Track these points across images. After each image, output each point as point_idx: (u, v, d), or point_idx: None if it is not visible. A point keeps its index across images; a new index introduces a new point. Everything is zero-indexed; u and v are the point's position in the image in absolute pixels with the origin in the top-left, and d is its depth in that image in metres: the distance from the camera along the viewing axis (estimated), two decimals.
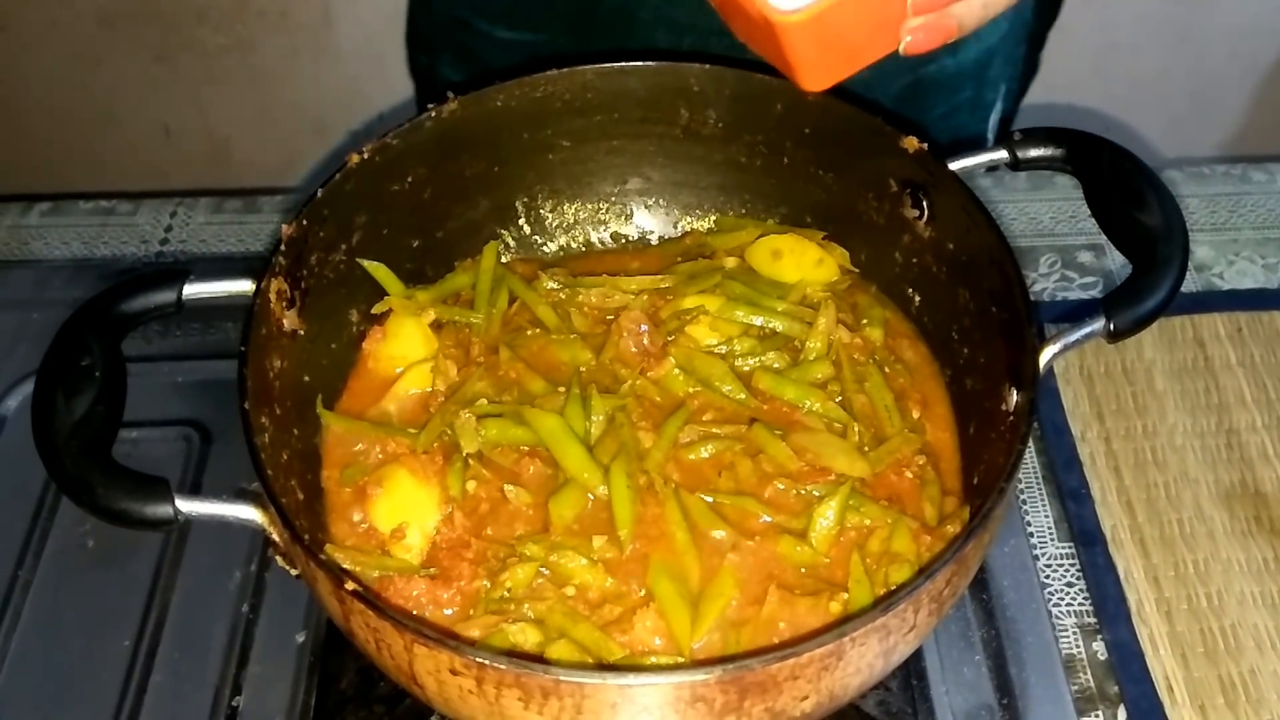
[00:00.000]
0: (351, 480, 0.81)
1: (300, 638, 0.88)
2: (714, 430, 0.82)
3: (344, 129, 2.02)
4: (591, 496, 0.79)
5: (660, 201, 0.99)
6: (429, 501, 0.78)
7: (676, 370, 0.84)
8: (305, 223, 0.81)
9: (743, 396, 0.84)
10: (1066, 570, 0.93)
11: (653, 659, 0.71)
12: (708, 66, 0.89)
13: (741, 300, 0.88)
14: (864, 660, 0.65)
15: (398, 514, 0.78)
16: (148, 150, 2.16)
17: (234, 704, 0.85)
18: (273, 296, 0.78)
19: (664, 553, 0.76)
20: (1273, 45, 2.03)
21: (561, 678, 0.60)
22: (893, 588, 0.73)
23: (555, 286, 0.91)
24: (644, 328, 0.86)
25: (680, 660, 0.71)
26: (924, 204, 0.86)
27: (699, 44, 0.99)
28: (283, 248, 0.79)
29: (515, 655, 0.68)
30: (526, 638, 0.71)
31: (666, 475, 0.79)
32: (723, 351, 0.86)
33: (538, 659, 0.70)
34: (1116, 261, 1.13)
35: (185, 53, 2.02)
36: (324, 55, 2.01)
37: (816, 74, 0.76)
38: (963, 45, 1.12)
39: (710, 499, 0.79)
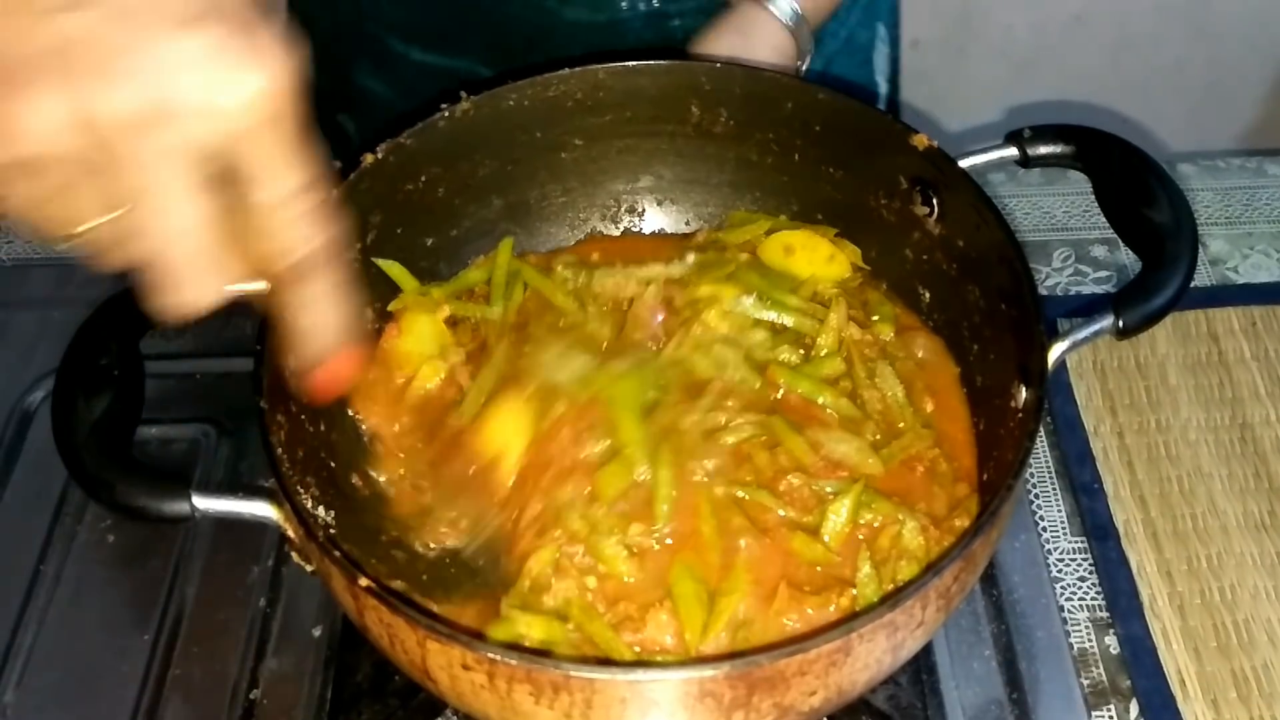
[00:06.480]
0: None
1: (317, 632, 0.89)
2: (739, 418, 0.81)
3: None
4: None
5: (672, 199, 0.99)
6: None
7: (698, 351, 0.84)
8: None
9: (759, 385, 0.83)
10: (1079, 565, 0.93)
11: (660, 657, 0.72)
12: (719, 65, 0.90)
13: (755, 293, 0.87)
14: (872, 656, 0.65)
15: None
16: None
17: (251, 697, 0.86)
18: None
19: (690, 550, 0.75)
20: None
21: (572, 673, 0.61)
22: (901, 584, 0.73)
23: (571, 275, 0.91)
24: (659, 316, 0.87)
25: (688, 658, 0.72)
26: (934, 201, 0.86)
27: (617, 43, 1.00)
28: None
29: (526, 650, 0.69)
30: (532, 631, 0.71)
31: (699, 462, 0.78)
32: (737, 341, 0.86)
33: (548, 654, 0.70)
34: (1130, 256, 1.13)
35: None
36: None
37: None
38: None
39: (734, 492, 0.78)
